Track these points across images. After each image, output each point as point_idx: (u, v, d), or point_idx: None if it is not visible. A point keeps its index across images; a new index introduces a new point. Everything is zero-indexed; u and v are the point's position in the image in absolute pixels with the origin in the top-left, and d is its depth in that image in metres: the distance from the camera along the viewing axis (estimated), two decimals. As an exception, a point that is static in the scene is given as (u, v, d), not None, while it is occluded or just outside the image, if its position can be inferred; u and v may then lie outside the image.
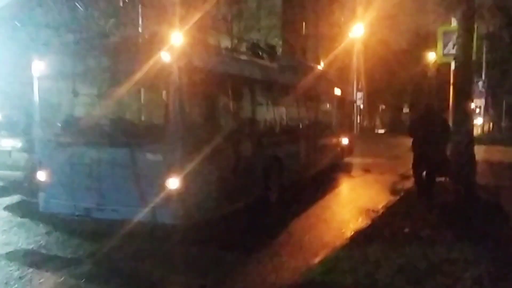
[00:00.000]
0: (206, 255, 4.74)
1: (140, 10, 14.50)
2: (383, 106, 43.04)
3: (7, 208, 6.98)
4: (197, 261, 4.60)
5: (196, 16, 12.50)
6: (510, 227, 5.55)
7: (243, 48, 7.77)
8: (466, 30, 6.68)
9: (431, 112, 7.59)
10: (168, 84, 4.70)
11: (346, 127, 12.02)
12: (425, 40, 29.16)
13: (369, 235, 5.08)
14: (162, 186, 4.63)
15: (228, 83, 5.72)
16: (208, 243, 5.12)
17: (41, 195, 5.51)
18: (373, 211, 6.59)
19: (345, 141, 11.52)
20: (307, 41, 32.20)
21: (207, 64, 5.31)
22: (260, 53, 7.58)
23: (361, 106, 28.85)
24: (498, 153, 14.65)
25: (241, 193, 5.83)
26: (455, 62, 7.07)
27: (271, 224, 6.07)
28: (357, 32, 24.62)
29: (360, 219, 6.20)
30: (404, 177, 9.92)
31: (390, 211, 6.40)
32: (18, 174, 7.26)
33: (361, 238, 5.02)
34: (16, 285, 3.95)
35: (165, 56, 4.63)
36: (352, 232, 5.41)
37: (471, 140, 7.00)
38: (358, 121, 27.51)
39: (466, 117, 6.84)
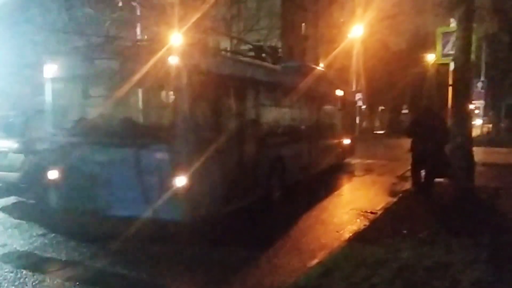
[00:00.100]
0: (205, 255, 4.73)
1: (138, 11, 14.48)
2: (382, 107, 43.03)
3: (3, 209, 6.95)
4: (195, 261, 4.56)
5: (197, 17, 12.49)
6: (508, 229, 5.52)
7: (246, 50, 7.93)
8: (465, 31, 6.66)
9: (430, 113, 7.57)
10: (176, 86, 4.90)
11: (348, 128, 12.12)
12: (425, 41, 29.17)
13: (366, 237, 5.04)
14: (169, 184, 4.80)
15: (232, 85, 5.91)
16: (207, 242, 5.13)
17: (53, 194, 5.67)
18: (371, 212, 6.56)
19: (346, 142, 11.63)
20: (306, 41, 32.21)
21: (212, 67, 5.50)
22: (264, 56, 7.75)
23: (363, 107, 28.81)
24: (497, 155, 14.63)
25: (244, 192, 5.96)
26: (454, 63, 7.04)
27: (271, 224, 6.08)
28: (356, 33, 24.60)
29: (358, 221, 6.17)
30: (403, 178, 9.91)
31: (388, 213, 6.36)
32: (14, 175, 7.21)
33: (358, 239, 4.99)
34: (10, 287, 3.92)
35: (173, 60, 4.82)
36: (350, 234, 5.38)
37: (470, 142, 6.98)
38: (357, 122, 27.46)
39: (465, 118, 6.81)
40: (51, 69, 5.67)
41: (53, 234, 5.50)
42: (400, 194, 7.79)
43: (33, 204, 7.21)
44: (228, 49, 16.02)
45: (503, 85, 26.04)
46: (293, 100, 8.03)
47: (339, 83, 13.27)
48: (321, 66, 17.71)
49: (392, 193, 8.19)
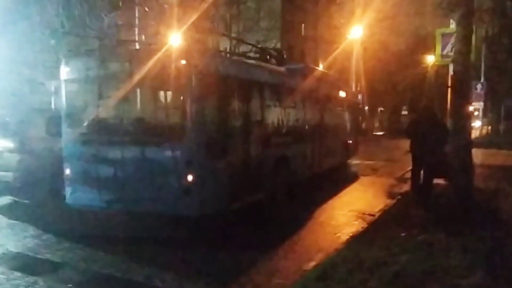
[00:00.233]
0: (200, 256, 4.68)
1: (137, 10, 14.43)
2: (382, 108, 43.00)
3: (-3, 209, 6.89)
4: (190, 262, 4.51)
5: (196, 17, 12.44)
6: (507, 232, 5.46)
7: (252, 52, 8.13)
8: (465, 32, 6.60)
9: (429, 113, 7.52)
10: (186, 88, 5.15)
11: (351, 129, 12.25)
12: (424, 42, 29.13)
13: (364, 240, 4.99)
14: (180, 181, 5.06)
15: (239, 86, 6.16)
16: (203, 243, 5.14)
17: (67, 189, 5.86)
18: (369, 214, 6.52)
19: (350, 142, 11.77)
20: (306, 42, 32.18)
21: (221, 70, 5.76)
22: (268, 58, 7.95)
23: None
24: (496, 157, 14.59)
25: (250, 190, 6.15)
26: (453, 65, 6.98)
27: (270, 224, 6.09)
28: (356, 34, 24.54)
29: (356, 223, 6.13)
30: (402, 179, 9.87)
31: (386, 215, 6.32)
32: (9, 174, 7.14)
33: (356, 242, 4.93)
34: (1, 290, 3.86)
35: (183, 63, 5.09)
36: (348, 236, 5.33)
37: (469, 143, 6.91)
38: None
39: (464, 120, 6.74)
40: (66, 71, 5.93)
41: (47, 235, 5.45)
42: (399, 196, 7.76)
43: (28, 204, 7.15)
44: (228, 49, 15.96)
45: (502, 87, 26.03)
46: (298, 101, 8.23)
47: (344, 85, 13.36)
48: (321, 67, 17.69)
49: (391, 195, 8.15)
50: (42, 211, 6.73)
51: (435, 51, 9.71)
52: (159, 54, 5.28)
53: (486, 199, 7.04)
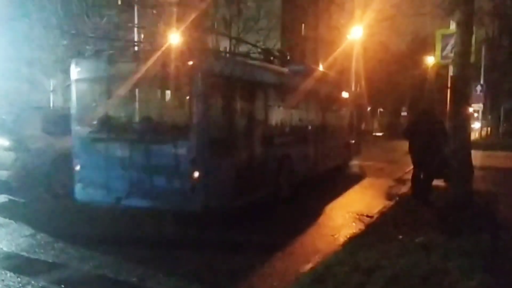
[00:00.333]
0: (194, 257, 4.62)
1: (136, 11, 14.36)
2: (381, 109, 42.97)
3: (-8, 208, 6.84)
4: (185, 264, 4.45)
5: (198, 17, 12.39)
6: (507, 235, 5.42)
7: (255, 53, 8.28)
8: (465, 33, 6.54)
9: (428, 114, 7.48)
10: (193, 88, 5.31)
11: (355, 129, 12.30)
12: (424, 43, 29.11)
13: (361, 242, 4.93)
14: (186, 177, 5.23)
15: (244, 87, 6.32)
16: (198, 243, 5.08)
17: (77, 186, 6.04)
18: (367, 216, 6.47)
19: (352, 142, 11.86)
20: (306, 43, 32.11)
21: (226, 71, 5.90)
22: (272, 58, 8.15)
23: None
24: (495, 158, 14.56)
25: (254, 188, 6.32)
26: (453, 67, 6.93)
27: (269, 225, 6.07)
28: (356, 34, 24.49)
29: (354, 224, 6.08)
30: (401, 181, 9.83)
31: (384, 217, 6.26)
32: (4, 173, 7.08)
33: (353, 244, 4.87)
34: (-8, 290, 3.81)
35: (190, 64, 5.24)
36: (345, 238, 5.27)
37: (468, 145, 6.86)
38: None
39: (463, 121, 6.69)
40: (76, 71, 6.10)
41: (42, 235, 5.39)
42: (397, 198, 7.70)
43: (23, 203, 7.10)
44: (228, 49, 15.90)
45: (502, 88, 26.00)
46: (301, 102, 8.44)
47: (347, 85, 13.47)
48: (320, 68, 17.65)
49: (389, 196, 8.10)
50: (37, 210, 6.68)
51: (435, 51, 9.66)
52: (166, 55, 5.46)
53: (485, 201, 6.99)
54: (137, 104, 5.94)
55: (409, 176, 7.81)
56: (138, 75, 5.49)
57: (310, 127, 8.82)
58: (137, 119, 5.83)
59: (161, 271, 4.25)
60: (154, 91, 6.17)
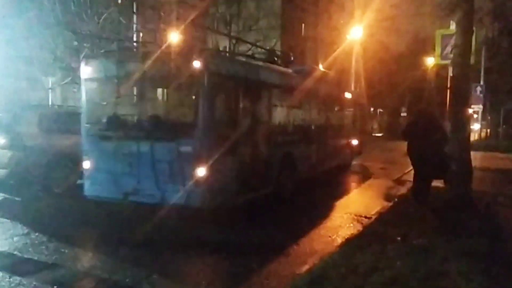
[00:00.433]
0: (191, 257, 4.57)
1: (135, 9, 14.29)
2: (381, 110, 42.93)
3: (-12, 206, 6.77)
4: (181, 265, 4.40)
5: (198, 16, 12.34)
6: (506, 237, 5.37)
7: (260, 54, 8.42)
8: (465, 34, 6.50)
9: (426, 115, 7.43)
10: (198, 88, 5.46)
11: (356, 129, 12.39)
12: (424, 44, 29.07)
13: (359, 243, 4.87)
14: (191, 174, 5.36)
15: (248, 87, 6.44)
16: (194, 244, 5.01)
17: (86, 182, 6.22)
18: (365, 217, 6.43)
19: (354, 142, 11.94)
20: (306, 42, 32.09)
21: (230, 71, 6.07)
22: (276, 59, 8.26)
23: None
24: (495, 160, 14.52)
25: (256, 186, 6.45)
26: (453, 67, 6.88)
27: (268, 225, 6.03)
28: (355, 35, 24.45)
29: (352, 225, 6.03)
30: (399, 182, 9.78)
31: (382, 218, 6.20)
32: (1, 171, 7.03)
33: (350, 246, 4.82)
34: (-17, 290, 3.75)
35: (196, 64, 5.34)
36: (342, 239, 5.22)
37: (468, 147, 6.82)
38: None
39: (463, 123, 6.64)
40: (86, 71, 6.24)
41: (36, 234, 5.33)
42: (396, 199, 7.65)
43: (19, 201, 7.04)
44: (227, 48, 15.83)
45: (502, 90, 25.94)
46: (304, 102, 8.48)
47: (346, 85, 13.53)
48: (320, 68, 17.61)
49: (388, 197, 8.05)
50: (33, 208, 6.62)
51: (435, 52, 9.62)
52: (174, 56, 5.55)
53: (485, 203, 6.95)
54: (145, 102, 6.08)
55: (408, 177, 7.76)
56: (146, 74, 5.65)
57: (312, 127, 8.94)
58: (144, 117, 5.95)
59: (155, 272, 4.18)
60: (162, 91, 6.38)
